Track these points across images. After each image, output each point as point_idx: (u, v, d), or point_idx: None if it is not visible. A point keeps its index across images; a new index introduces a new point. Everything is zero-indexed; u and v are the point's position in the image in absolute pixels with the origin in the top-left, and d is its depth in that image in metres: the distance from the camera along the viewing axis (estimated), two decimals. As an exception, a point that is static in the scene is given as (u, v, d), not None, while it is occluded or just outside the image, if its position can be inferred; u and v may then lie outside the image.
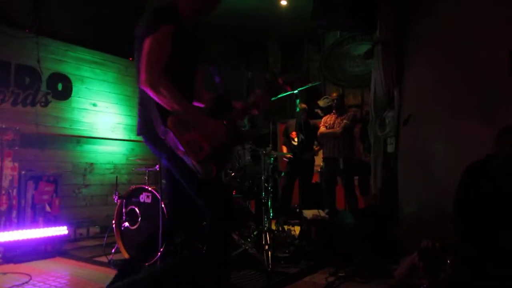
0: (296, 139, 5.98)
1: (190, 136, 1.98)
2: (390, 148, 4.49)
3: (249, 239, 3.90)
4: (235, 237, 3.81)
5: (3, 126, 4.16)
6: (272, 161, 4.26)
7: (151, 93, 1.97)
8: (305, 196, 5.66)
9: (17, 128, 4.28)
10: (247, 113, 2.43)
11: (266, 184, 4.01)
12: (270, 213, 4.04)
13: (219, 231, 2.17)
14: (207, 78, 2.40)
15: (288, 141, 6.25)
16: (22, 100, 4.91)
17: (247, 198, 4.48)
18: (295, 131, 5.79)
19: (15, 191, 4.18)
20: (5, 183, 4.13)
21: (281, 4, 6.85)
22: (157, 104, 2.01)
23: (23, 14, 4.68)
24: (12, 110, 4.78)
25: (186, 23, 2.16)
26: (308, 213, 4.67)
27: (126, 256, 3.86)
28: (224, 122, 2.13)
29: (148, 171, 4.32)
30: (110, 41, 5.61)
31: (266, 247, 3.68)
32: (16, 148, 4.22)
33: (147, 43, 1.99)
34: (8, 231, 3.98)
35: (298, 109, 4.62)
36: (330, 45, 7.70)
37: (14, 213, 4.14)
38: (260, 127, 6.09)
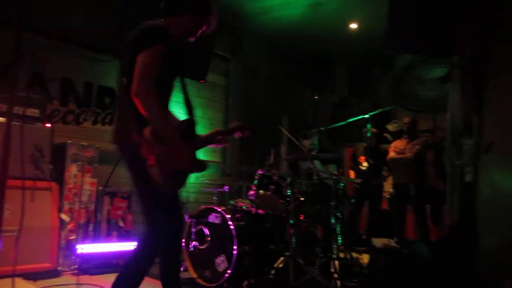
0: (364, 164, 5.83)
1: (162, 150, 2.12)
2: (468, 178, 4.25)
3: (316, 266, 3.81)
4: (301, 262, 3.74)
5: (85, 144, 4.41)
6: (342, 187, 4.17)
7: (140, 104, 2.12)
8: (373, 223, 5.49)
9: (97, 145, 4.53)
10: (210, 142, 2.65)
11: (336, 210, 3.92)
12: (338, 240, 3.94)
13: (144, 248, 2.31)
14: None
15: (355, 165, 6.11)
16: (102, 119, 5.20)
17: (315, 223, 4.41)
18: (364, 155, 5.66)
19: (92, 205, 4.40)
20: (85, 198, 4.35)
21: (350, 28, 6.80)
22: (136, 115, 2.17)
23: (104, 40, 4.98)
24: (92, 129, 5.07)
25: (173, 44, 2.35)
26: (378, 242, 4.51)
27: (194, 275, 3.90)
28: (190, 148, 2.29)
29: (217, 191, 4.38)
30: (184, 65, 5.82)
31: (335, 275, 3.57)
32: (95, 164, 4.46)
33: (140, 58, 2.17)
34: (85, 243, 4.17)
35: (369, 134, 4.51)
36: (401, 68, 7.49)
37: (91, 227, 4.34)
38: (329, 151, 6.02)
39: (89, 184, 4.38)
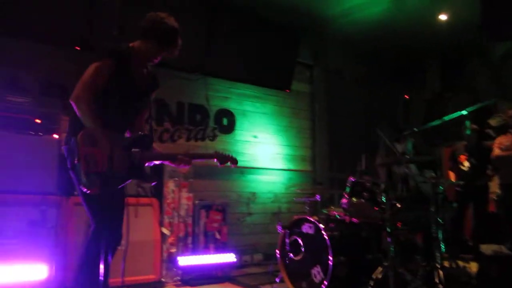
0: (465, 164, 5.43)
1: (91, 150, 2.27)
2: None
3: (418, 276, 3.61)
4: (402, 271, 3.56)
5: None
6: (441, 191, 3.92)
7: (74, 107, 2.38)
8: (480, 228, 5.08)
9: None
10: (167, 159, 2.68)
11: (436, 216, 3.69)
12: (441, 247, 3.69)
13: (91, 240, 2.47)
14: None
15: (456, 166, 5.70)
16: (194, 135, 5.45)
17: (414, 231, 4.18)
18: (465, 154, 5.27)
19: (190, 219, 4.60)
20: (182, 212, 4.57)
21: (440, 19, 6.41)
22: (73, 118, 2.44)
23: (193, 60, 5.21)
24: (186, 145, 5.32)
25: (136, 67, 2.63)
26: (486, 248, 4.16)
27: (290, 286, 3.89)
28: (120, 153, 2.40)
29: (309, 201, 4.35)
30: (268, 76, 5.90)
31: (440, 286, 3.35)
32: (191, 180, 4.67)
33: (89, 67, 2.46)
34: (185, 255, 4.37)
35: (468, 132, 4.19)
36: (500, 57, 6.91)
37: (189, 240, 4.54)
38: (424, 153, 5.70)
39: (186, 199, 4.60)
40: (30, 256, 3.38)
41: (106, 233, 2.38)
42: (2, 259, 3.25)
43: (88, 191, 2.28)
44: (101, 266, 2.27)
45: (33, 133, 3.70)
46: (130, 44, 2.63)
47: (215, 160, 2.81)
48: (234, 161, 2.88)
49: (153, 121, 5.11)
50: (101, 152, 2.30)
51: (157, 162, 2.66)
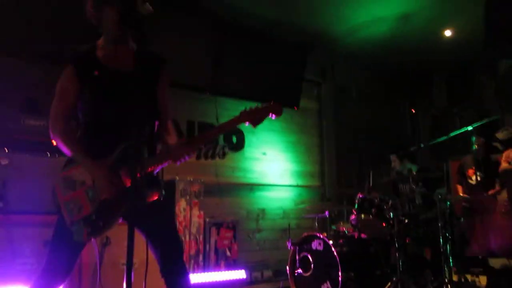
0: (473, 178, 5.46)
1: (72, 196, 1.99)
2: None
3: (427, 291, 3.65)
4: (411, 286, 3.61)
5: (191, 179, 4.74)
6: (448, 206, 3.97)
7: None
8: (489, 241, 5.08)
9: (201, 179, 4.83)
10: (159, 161, 2.08)
11: (444, 231, 3.74)
12: (450, 262, 3.73)
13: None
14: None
15: (464, 180, 5.73)
16: (204, 154, 5.54)
17: (422, 246, 4.22)
18: (472, 168, 5.30)
19: (201, 237, 4.68)
20: (193, 230, 4.65)
21: (445, 35, 6.50)
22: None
23: (202, 80, 5.33)
24: (196, 164, 5.42)
25: (110, 60, 2.09)
26: (495, 262, 4.17)
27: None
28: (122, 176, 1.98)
29: (318, 217, 4.41)
30: (276, 94, 5.99)
31: (449, 301, 3.39)
32: (201, 198, 4.75)
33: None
34: (197, 273, 4.44)
35: (474, 147, 4.25)
36: (505, 70, 6.97)
37: (200, 257, 4.61)
38: (429, 169, 5.74)
39: (196, 217, 4.68)
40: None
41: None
42: (18, 280, 3.33)
43: (76, 239, 1.97)
44: None
45: (49, 154, 3.83)
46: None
47: (248, 123, 2.13)
48: (275, 108, 2.19)
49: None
50: (85, 191, 1.99)
51: (158, 167, 2.08)
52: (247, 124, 2.13)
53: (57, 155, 3.79)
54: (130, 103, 1.93)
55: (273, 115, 2.17)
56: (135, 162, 1.80)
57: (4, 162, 3.67)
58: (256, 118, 2.13)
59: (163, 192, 2.08)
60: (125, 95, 1.93)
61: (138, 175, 1.79)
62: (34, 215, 3.54)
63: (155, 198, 2.04)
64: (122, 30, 2.06)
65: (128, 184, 1.97)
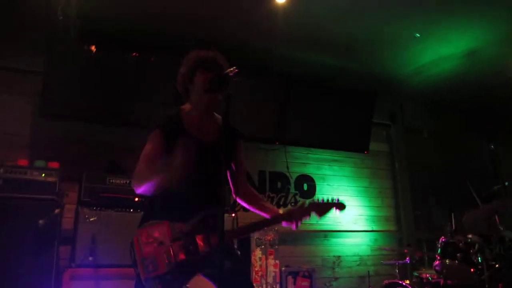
0: None
1: (147, 253, 1.99)
2: None
3: None
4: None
5: (266, 228, 4.77)
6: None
7: (135, 188, 2.08)
8: None
9: (276, 228, 4.85)
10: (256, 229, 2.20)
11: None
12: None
13: None
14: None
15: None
16: (276, 202, 5.60)
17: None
18: None
19: (277, 286, 4.65)
20: (270, 279, 4.64)
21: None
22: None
23: (271, 131, 5.48)
24: (269, 212, 5.46)
25: (195, 128, 2.19)
26: None
27: None
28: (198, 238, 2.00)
29: (398, 263, 4.24)
30: (345, 140, 6.00)
31: None
32: (276, 246, 4.76)
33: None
34: (276, 324, 4.38)
35: None
36: None
37: (279, 307, 4.56)
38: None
39: (272, 266, 4.68)
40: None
41: None
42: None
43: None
44: None
45: (132, 210, 4.09)
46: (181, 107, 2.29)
47: (314, 213, 2.29)
48: (339, 206, 2.34)
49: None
50: (162, 250, 1.99)
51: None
52: (313, 214, 2.31)
53: (138, 210, 4.04)
54: (211, 172, 2.07)
55: (337, 210, 2.36)
56: (219, 231, 1.80)
57: (93, 218, 3.97)
58: (321, 211, 2.32)
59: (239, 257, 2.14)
60: (207, 163, 2.07)
61: (217, 243, 1.87)
62: (120, 268, 3.73)
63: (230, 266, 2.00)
64: (211, 99, 2.18)
65: (203, 250, 2.00)
